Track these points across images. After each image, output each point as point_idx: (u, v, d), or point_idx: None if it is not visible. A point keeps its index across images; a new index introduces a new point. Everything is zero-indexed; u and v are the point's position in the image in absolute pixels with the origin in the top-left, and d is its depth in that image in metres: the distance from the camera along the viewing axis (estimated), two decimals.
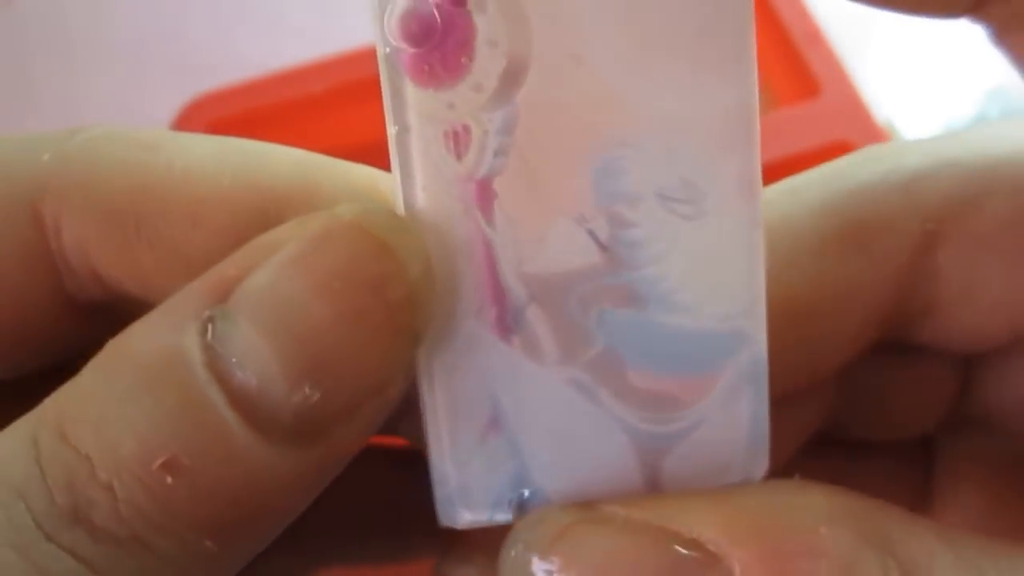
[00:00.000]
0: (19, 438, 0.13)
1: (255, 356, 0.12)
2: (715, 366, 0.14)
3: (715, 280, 0.14)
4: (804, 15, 0.38)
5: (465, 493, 0.15)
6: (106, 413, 0.12)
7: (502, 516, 0.15)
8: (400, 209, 0.13)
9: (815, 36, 0.38)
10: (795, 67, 0.38)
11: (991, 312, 0.17)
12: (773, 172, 0.40)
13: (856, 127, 0.36)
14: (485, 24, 0.13)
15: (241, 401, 0.12)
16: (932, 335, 0.18)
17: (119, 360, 0.13)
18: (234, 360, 0.12)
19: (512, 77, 0.13)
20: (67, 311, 0.15)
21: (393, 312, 0.13)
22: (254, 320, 0.12)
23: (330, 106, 0.38)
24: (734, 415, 0.14)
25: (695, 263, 0.14)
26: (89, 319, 0.16)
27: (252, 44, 0.46)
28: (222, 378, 0.12)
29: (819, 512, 0.13)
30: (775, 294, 0.15)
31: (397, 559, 0.20)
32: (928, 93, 0.45)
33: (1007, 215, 0.16)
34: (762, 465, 0.14)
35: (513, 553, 0.14)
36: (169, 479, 0.12)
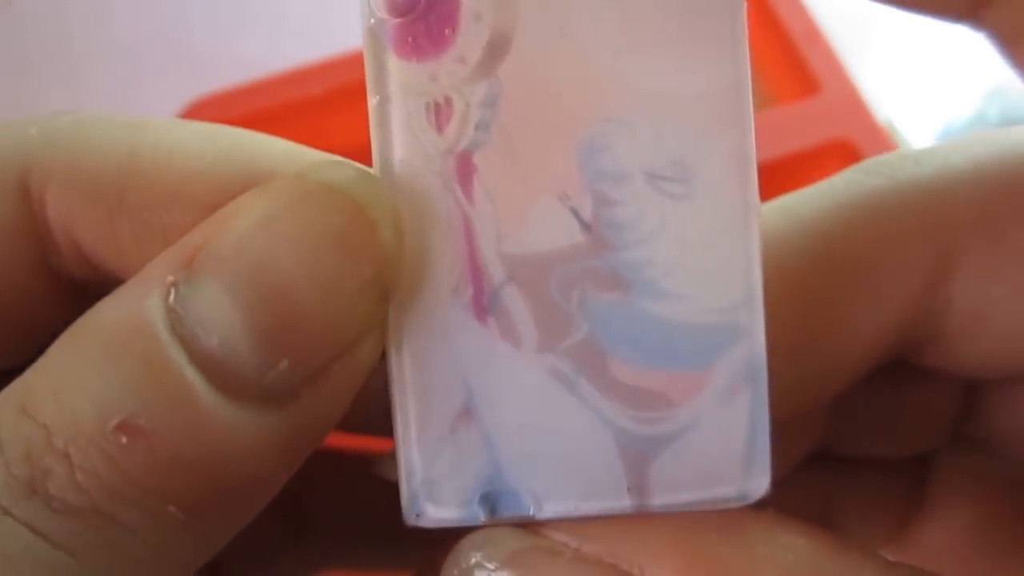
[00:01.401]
0: None
1: (218, 316, 0.12)
2: (706, 362, 0.13)
3: (706, 267, 0.13)
4: (803, 14, 0.38)
5: (432, 488, 0.13)
6: (66, 381, 0.12)
7: (471, 517, 0.13)
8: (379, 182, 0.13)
9: (814, 34, 0.38)
10: (794, 65, 0.38)
11: (1001, 343, 0.16)
12: (773, 170, 0.40)
13: (855, 125, 0.36)
14: None
15: (205, 362, 0.12)
16: (936, 362, 0.17)
17: (83, 331, 0.12)
18: (197, 321, 0.12)
19: (496, 50, 0.13)
20: (52, 290, 0.15)
21: (360, 268, 0.12)
22: (217, 280, 0.12)
23: (330, 107, 0.38)
24: (730, 419, 0.13)
25: (684, 247, 0.13)
26: (75, 301, 0.15)
27: (252, 45, 0.46)
28: (185, 340, 0.12)
29: (781, 569, 0.13)
30: (767, 326, 0.14)
31: (398, 566, 0.20)
32: (928, 93, 0.45)
33: None
34: (760, 483, 0.13)
35: (455, 573, 0.13)
36: (126, 441, 0.12)
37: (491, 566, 0.13)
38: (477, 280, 0.13)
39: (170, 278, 0.12)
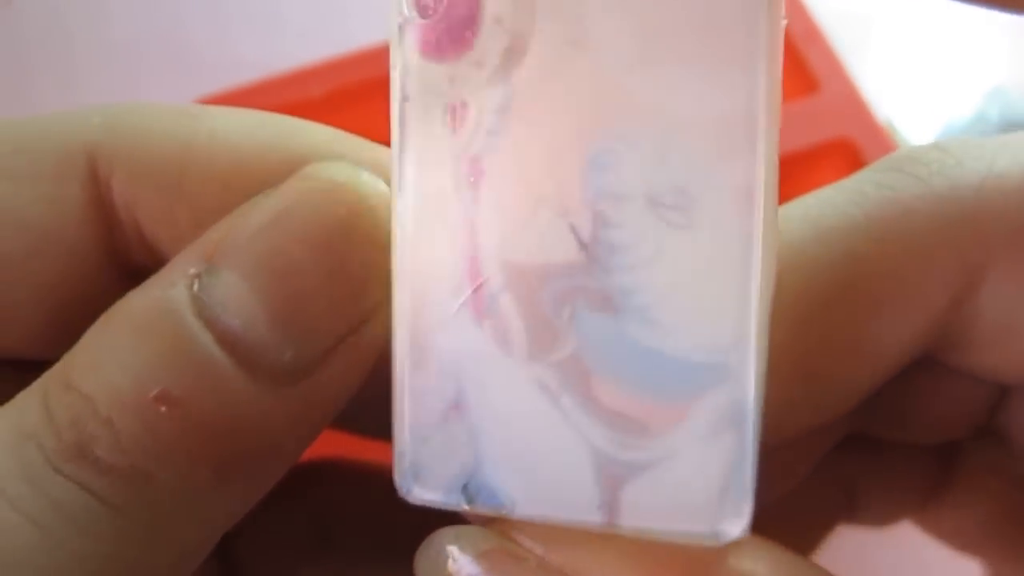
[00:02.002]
0: (32, 392, 0.14)
1: (238, 300, 0.13)
2: (687, 398, 0.13)
3: (699, 302, 0.12)
4: (803, 13, 0.38)
5: (420, 470, 0.14)
6: (104, 358, 0.13)
7: (453, 502, 0.14)
8: (394, 179, 0.14)
9: (814, 33, 0.38)
10: (793, 64, 0.38)
11: None
12: None
13: (855, 123, 0.36)
14: (495, 1, 0.13)
15: (228, 341, 0.13)
16: (962, 365, 0.17)
17: (116, 315, 0.14)
18: (219, 305, 0.13)
19: (512, 56, 0.13)
20: (115, 273, 0.16)
21: (362, 253, 0.14)
22: (235, 268, 0.13)
23: (331, 108, 0.38)
24: (708, 458, 0.13)
25: (679, 279, 0.12)
26: (134, 285, 0.16)
27: (252, 45, 0.46)
28: (209, 322, 0.13)
29: None
30: (783, 346, 0.14)
31: None
32: (927, 93, 0.45)
33: None
34: (738, 524, 0.13)
35: (425, 561, 0.14)
36: (163, 409, 0.13)
37: (460, 560, 0.14)
38: (476, 282, 0.13)
39: (192, 270, 0.14)
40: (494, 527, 0.14)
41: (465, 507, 0.14)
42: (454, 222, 0.13)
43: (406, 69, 0.13)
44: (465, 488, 0.14)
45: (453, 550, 0.14)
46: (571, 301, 0.13)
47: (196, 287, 0.13)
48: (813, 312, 0.15)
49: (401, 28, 0.13)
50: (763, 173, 0.12)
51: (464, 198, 0.13)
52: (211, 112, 0.16)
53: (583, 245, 0.13)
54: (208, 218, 0.15)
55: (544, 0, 0.13)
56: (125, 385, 0.13)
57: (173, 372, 0.13)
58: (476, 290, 0.13)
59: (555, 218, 0.13)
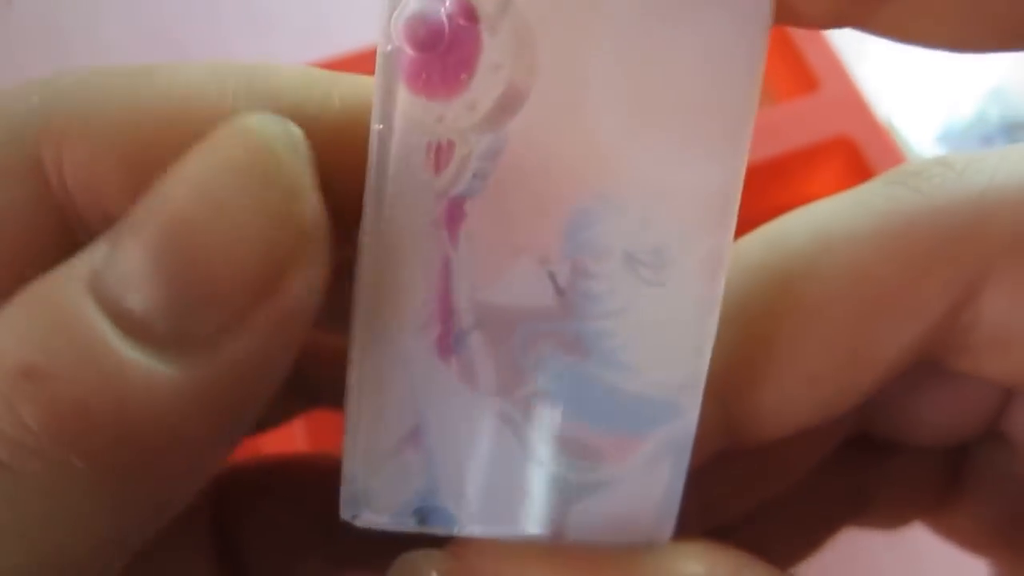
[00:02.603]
0: None
1: (127, 260, 0.12)
2: (643, 430, 0.14)
3: (660, 348, 0.14)
4: None
5: (370, 496, 0.14)
6: None
7: (402, 525, 0.14)
8: (368, 212, 0.13)
9: (813, 32, 0.38)
10: (793, 62, 0.38)
11: None
12: (772, 168, 0.40)
13: (854, 121, 0.36)
14: (493, 46, 0.12)
15: (113, 307, 0.11)
16: (964, 369, 0.17)
17: (17, 295, 0.12)
18: (110, 271, 0.12)
19: (508, 105, 0.13)
20: None
21: (267, 199, 0.12)
22: (132, 233, 0.12)
23: None
24: (650, 481, 0.14)
25: (645, 327, 0.14)
26: None
27: (252, 45, 0.46)
28: (98, 289, 0.11)
29: None
30: (784, 348, 0.15)
31: None
32: (928, 93, 0.45)
33: None
34: (666, 532, 0.15)
35: None
36: (26, 386, 0.11)
37: None
38: (446, 320, 0.14)
39: (102, 244, 0.12)
40: (454, 549, 0.15)
41: (415, 529, 0.14)
42: (426, 259, 0.13)
43: (391, 100, 0.13)
44: (417, 511, 0.14)
45: (423, 570, 0.14)
46: (541, 343, 0.14)
47: (99, 258, 0.12)
48: (814, 317, 0.16)
49: (389, 58, 0.13)
50: (730, 246, 0.13)
51: (440, 237, 0.13)
52: (163, 69, 0.14)
53: (560, 292, 0.13)
54: None
55: (546, 55, 0.13)
56: None
57: (45, 343, 0.11)
58: (444, 328, 0.14)
59: (534, 265, 0.13)
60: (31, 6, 0.48)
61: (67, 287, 0.12)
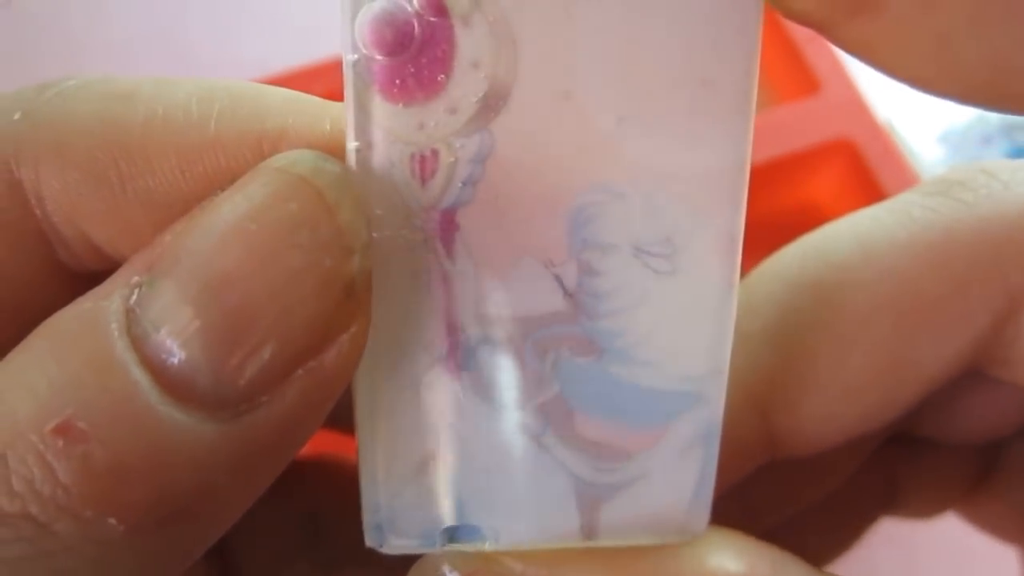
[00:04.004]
0: None
1: (173, 315, 0.11)
2: (666, 422, 0.13)
3: (680, 339, 0.13)
4: None
5: (395, 522, 0.14)
6: (12, 381, 0.11)
7: (430, 545, 0.14)
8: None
9: (814, 33, 0.38)
10: (794, 64, 0.38)
11: None
12: (773, 170, 0.40)
13: (856, 123, 0.36)
14: (469, 41, 0.12)
15: (155, 364, 0.11)
16: (1004, 377, 0.17)
17: (35, 334, 0.12)
18: (151, 321, 0.11)
19: (491, 103, 0.12)
20: (65, 286, 0.14)
21: (318, 261, 0.11)
22: (174, 279, 0.11)
23: None
24: (680, 473, 0.14)
25: (661, 320, 0.13)
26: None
27: (252, 45, 0.46)
28: (137, 340, 0.11)
29: None
30: (824, 361, 0.15)
31: None
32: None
33: None
34: (700, 526, 0.14)
35: None
36: (62, 444, 0.11)
37: None
38: (453, 337, 0.13)
39: (135, 279, 0.11)
40: (478, 551, 0.14)
41: (446, 548, 0.14)
42: (424, 277, 0.13)
43: (365, 113, 0.12)
44: (446, 531, 0.14)
45: (445, 570, 0.14)
46: (554, 347, 0.13)
47: (133, 299, 0.11)
48: (855, 331, 0.16)
49: (356, 67, 0.12)
50: (743, 222, 0.13)
51: (437, 253, 0.13)
52: (147, 89, 0.13)
53: (568, 294, 0.13)
54: (164, 212, 0.13)
55: (528, 48, 0.12)
56: (25, 413, 0.11)
57: (82, 398, 0.11)
58: (452, 345, 0.13)
59: (538, 269, 0.13)
60: (31, 6, 0.48)
61: (100, 333, 0.11)
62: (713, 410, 0.13)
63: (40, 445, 0.11)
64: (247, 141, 0.13)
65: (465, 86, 0.12)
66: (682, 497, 0.14)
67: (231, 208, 0.11)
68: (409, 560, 0.15)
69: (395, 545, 0.14)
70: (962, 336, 0.16)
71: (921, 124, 0.42)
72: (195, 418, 0.11)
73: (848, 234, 0.16)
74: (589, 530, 0.14)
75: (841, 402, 0.16)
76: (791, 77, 0.38)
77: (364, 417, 0.13)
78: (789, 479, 0.18)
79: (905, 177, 0.35)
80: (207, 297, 0.11)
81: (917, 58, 0.11)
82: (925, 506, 0.21)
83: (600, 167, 0.12)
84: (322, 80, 0.38)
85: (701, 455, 0.14)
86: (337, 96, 0.42)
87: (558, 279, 0.13)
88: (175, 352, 0.11)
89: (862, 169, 0.35)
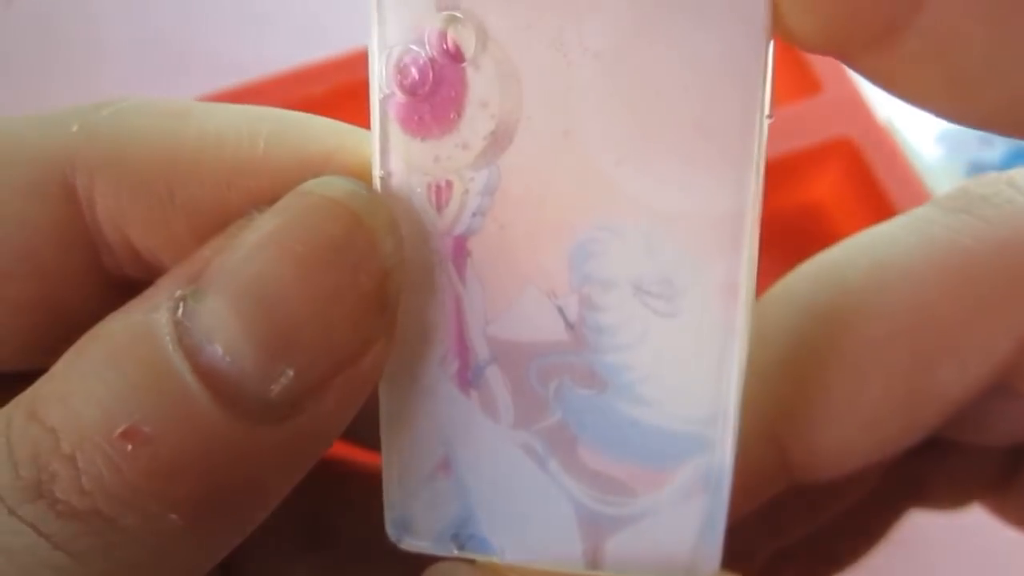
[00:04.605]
0: None
1: (221, 328, 0.12)
2: (668, 464, 0.14)
3: (681, 381, 0.13)
4: None
5: (409, 521, 0.15)
6: (72, 388, 0.12)
7: (443, 549, 0.15)
8: None
9: None
10: (794, 64, 0.38)
11: None
12: (773, 170, 0.40)
13: (857, 124, 0.36)
14: (478, 83, 0.13)
15: (208, 373, 0.12)
16: None
17: (91, 341, 0.13)
18: (202, 333, 0.12)
19: (498, 140, 0.13)
20: (103, 290, 0.15)
21: (358, 280, 0.13)
22: (223, 294, 0.12)
23: (331, 108, 0.38)
24: (684, 517, 0.14)
25: (662, 360, 0.13)
26: (126, 301, 0.15)
27: (252, 45, 0.46)
28: (189, 351, 0.12)
29: None
30: (842, 401, 0.14)
31: None
32: None
33: None
34: (709, 566, 0.14)
35: None
36: (130, 447, 0.12)
37: None
38: (463, 355, 0.14)
39: (178, 292, 0.12)
40: (485, 564, 0.15)
41: (456, 553, 0.15)
42: (440, 296, 0.13)
43: (388, 145, 0.13)
44: (455, 536, 0.15)
45: None
46: (557, 375, 0.14)
47: (180, 311, 0.12)
48: (873, 359, 0.15)
49: (382, 103, 0.13)
50: (746, 269, 0.13)
51: (450, 275, 0.13)
52: (198, 110, 0.15)
53: (570, 325, 0.13)
54: (209, 226, 0.14)
55: (532, 89, 0.12)
56: (92, 418, 0.12)
57: (144, 406, 0.12)
58: (462, 362, 0.14)
59: (542, 299, 0.13)
60: (31, 6, 0.48)
61: (154, 344, 0.12)
62: (719, 457, 0.13)
63: (108, 448, 0.12)
64: (294, 163, 0.14)
65: (474, 124, 0.13)
66: (686, 539, 0.14)
67: (280, 228, 0.13)
68: (411, 558, 0.16)
69: (410, 544, 0.15)
70: (984, 362, 0.15)
71: (921, 124, 0.42)
72: (243, 423, 0.12)
73: (863, 257, 0.16)
74: (593, 558, 0.14)
75: (859, 433, 0.16)
76: (791, 77, 0.38)
77: (386, 420, 0.14)
78: (812, 498, 0.18)
79: (905, 177, 0.35)
80: (256, 312, 0.12)
81: (934, 91, 0.11)
82: (951, 500, 0.20)
83: (601, 205, 0.13)
84: (322, 80, 0.38)
85: (707, 502, 0.14)
86: (339, 96, 0.42)
87: (561, 310, 0.13)
88: (226, 362, 0.12)
89: (862, 169, 0.35)
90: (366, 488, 0.19)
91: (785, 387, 0.15)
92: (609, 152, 0.12)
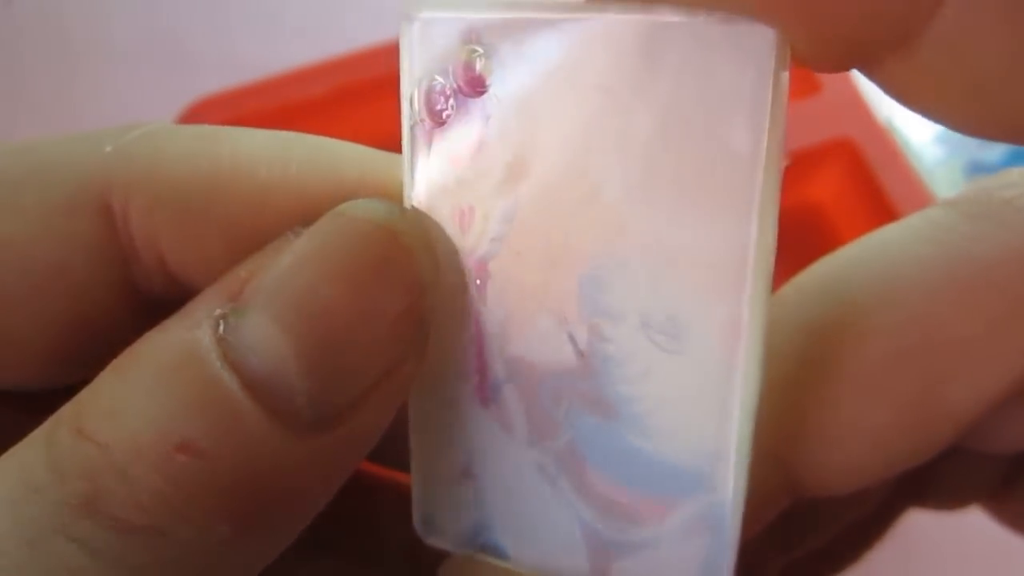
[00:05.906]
0: (36, 441, 0.13)
1: (268, 343, 0.12)
2: (671, 497, 0.14)
3: (684, 417, 0.13)
4: None
5: (433, 521, 0.15)
6: (122, 406, 0.12)
7: (464, 549, 0.15)
8: None
9: None
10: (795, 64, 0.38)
11: None
12: None
13: (857, 124, 0.36)
14: (499, 116, 0.13)
15: (256, 387, 0.12)
16: None
17: (134, 359, 0.13)
18: (247, 349, 0.12)
19: (515, 172, 0.13)
20: (133, 309, 0.15)
21: (398, 295, 0.13)
22: (267, 309, 0.13)
23: (331, 108, 0.38)
24: (687, 551, 0.14)
25: (667, 395, 0.13)
26: (156, 318, 0.15)
27: (252, 46, 0.46)
28: (236, 366, 0.12)
29: None
30: (849, 420, 0.14)
31: None
32: None
33: None
34: None
35: None
36: (185, 460, 0.12)
37: None
38: (483, 371, 0.14)
39: (218, 311, 0.13)
40: (501, 566, 0.15)
41: (474, 554, 0.15)
42: (464, 313, 0.14)
43: (417, 169, 0.14)
44: (474, 539, 0.15)
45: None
46: (567, 398, 0.14)
47: (222, 328, 0.13)
48: (880, 381, 0.15)
49: (412, 129, 0.14)
50: (749, 310, 0.13)
51: (474, 293, 0.14)
52: (229, 134, 0.15)
53: (580, 353, 0.14)
54: (242, 245, 0.14)
55: (547, 122, 0.13)
56: (145, 434, 0.12)
57: (197, 420, 0.12)
58: (481, 378, 0.14)
59: (554, 326, 0.14)
60: (31, 6, 0.48)
61: (201, 361, 0.12)
62: (721, 498, 0.13)
63: (164, 462, 0.12)
64: (327, 186, 0.14)
65: (495, 154, 0.13)
66: (689, 573, 0.14)
67: (322, 247, 0.13)
68: (411, 559, 0.16)
69: (435, 542, 0.15)
70: (997, 379, 0.15)
71: (921, 124, 0.42)
72: (290, 435, 0.13)
73: (872, 269, 0.15)
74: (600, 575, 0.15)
75: (867, 453, 0.15)
76: (791, 77, 0.38)
77: (414, 426, 0.15)
78: (823, 511, 0.18)
79: (905, 177, 0.35)
80: (303, 326, 0.13)
81: (949, 104, 0.11)
82: (951, 501, 0.20)
83: (608, 238, 0.13)
84: (322, 80, 0.38)
85: (709, 539, 0.14)
86: (339, 96, 0.42)
87: (571, 338, 0.14)
88: (274, 376, 0.12)
89: (862, 169, 0.35)
90: (369, 490, 0.19)
91: (789, 408, 0.15)
92: (618, 187, 0.13)
